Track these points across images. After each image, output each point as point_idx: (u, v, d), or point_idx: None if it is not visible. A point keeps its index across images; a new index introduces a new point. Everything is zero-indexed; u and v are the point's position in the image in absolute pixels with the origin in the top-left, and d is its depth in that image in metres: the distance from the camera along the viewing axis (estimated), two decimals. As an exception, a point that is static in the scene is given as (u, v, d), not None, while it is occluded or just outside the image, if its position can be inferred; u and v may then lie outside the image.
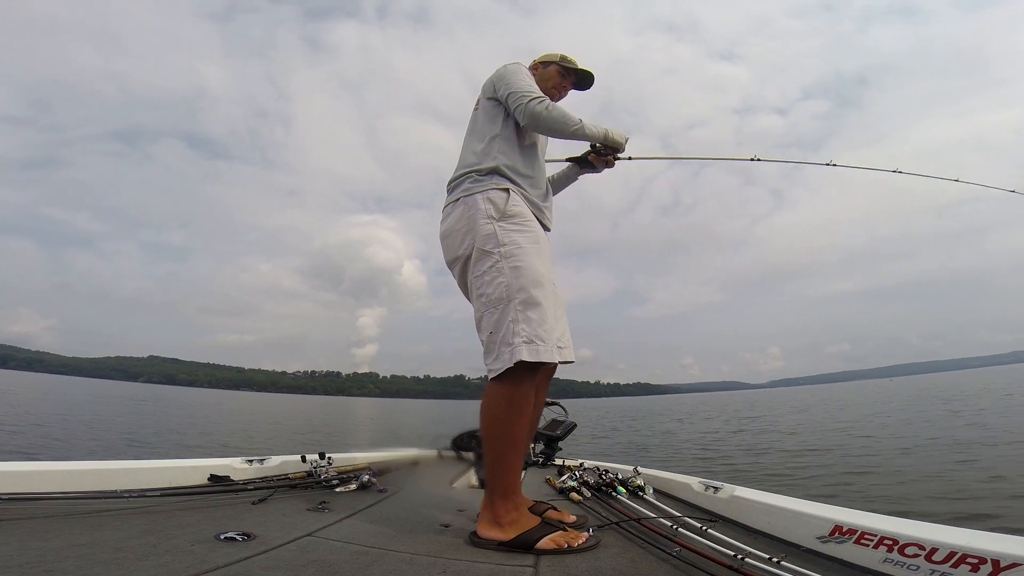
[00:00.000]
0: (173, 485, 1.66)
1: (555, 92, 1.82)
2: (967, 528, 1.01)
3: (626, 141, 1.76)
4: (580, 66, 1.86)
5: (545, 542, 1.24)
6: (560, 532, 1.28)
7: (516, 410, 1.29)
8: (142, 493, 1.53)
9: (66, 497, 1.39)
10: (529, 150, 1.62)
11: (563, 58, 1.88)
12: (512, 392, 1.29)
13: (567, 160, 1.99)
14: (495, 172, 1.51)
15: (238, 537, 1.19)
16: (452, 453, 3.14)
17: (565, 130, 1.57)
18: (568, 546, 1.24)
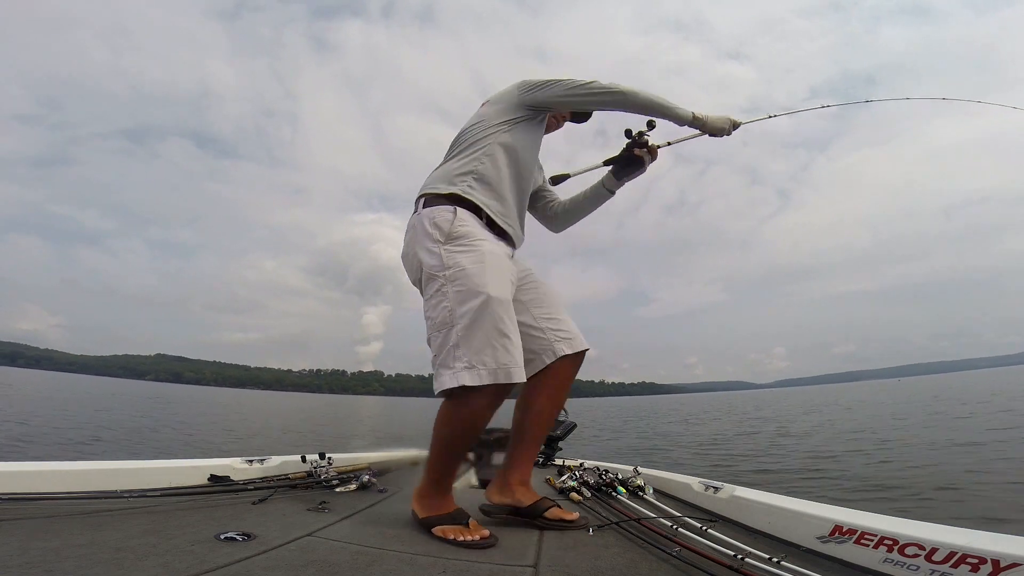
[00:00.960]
0: (173, 485, 1.66)
1: (552, 122, 1.68)
2: (967, 528, 1.01)
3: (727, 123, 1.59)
4: None
5: (437, 530, 1.32)
6: (459, 527, 1.32)
7: (458, 428, 1.35)
8: (142, 493, 1.53)
9: (66, 497, 1.39)
10: (504, 169, 1.50)
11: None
12: (454, 412, 1.33)
13: (605, 163, 1.75)
14: (452, 198, 1.43)
15: (238, 537, 1.19)
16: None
17: (657, 104, 1.46)
18: (455, 539, 1.28)
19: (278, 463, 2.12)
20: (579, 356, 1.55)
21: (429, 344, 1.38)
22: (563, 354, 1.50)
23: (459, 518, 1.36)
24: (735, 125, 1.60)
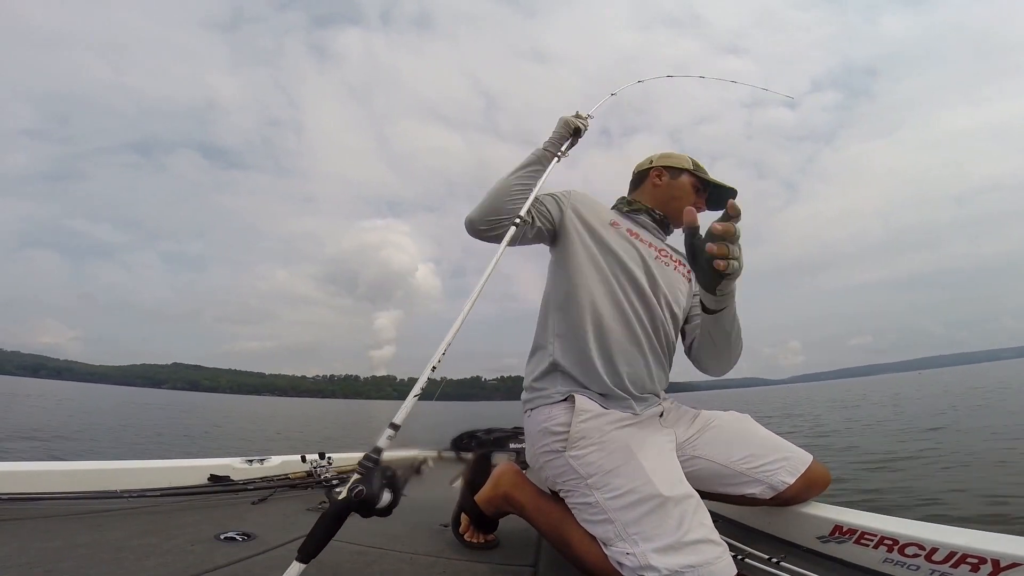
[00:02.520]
0: (173, 485, 1.66)
1: (680, 214, 1.15)
2: (967, 528, 1.01)
3: (577, 119, 1.30)
4: (716, 179, 1.34)
5: (464, 520, 1.34)
6: (478, 532, 1.33)
7: (580, 565, 1.06)
8: (142, 493, 1.53)
9: (66, 497, 1.39)
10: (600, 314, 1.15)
11: (696, 165, 1.36)
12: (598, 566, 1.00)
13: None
14: (553, 371, 1.16)
15: (238, 537, 1.19)
16: (452, 453, 3.14)
17: (496, 195, 1.15)
18: (465, 536, 1.31)
19: (278, 463, 2.12)
20: (808, 477, 1.17)
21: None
22: (785, 485, 1.16)
23: (489, 527, 1.35)
24: (576, 117, 1.32)
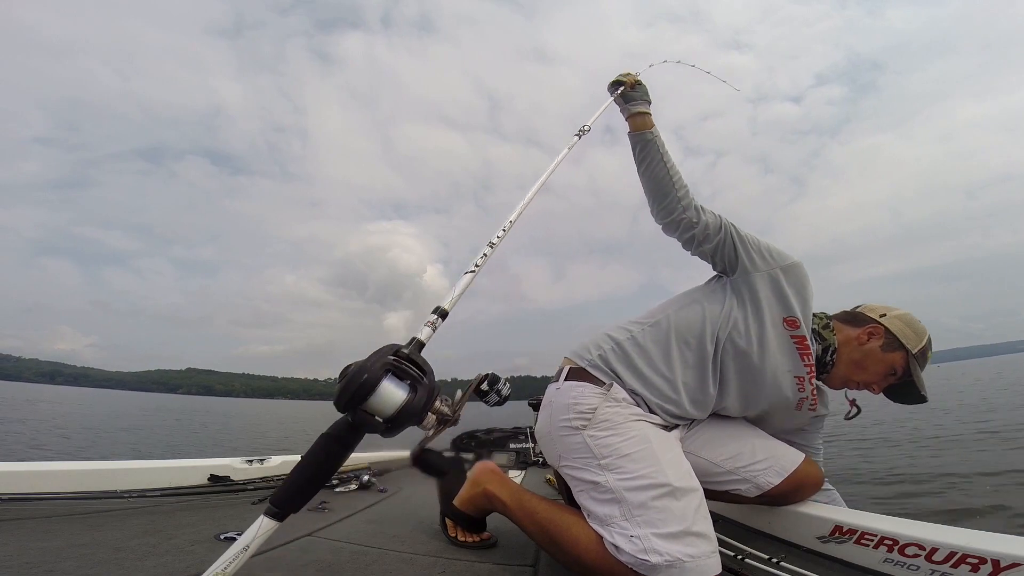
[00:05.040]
0: (173, 485, 1.66)
1: (862, 380, 1.22)
2: (967, 528, 1.01)
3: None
4: (920, 379, 1.20)
5: (450, 523, 1.34)
6: (468, 532, 1.33)
7: (574, 564, 1.05)
8: (142, 493, 1.53)
9: (66, 497, 1.40)
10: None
11: (924, 351, 1.19)
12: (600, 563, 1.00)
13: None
14: (605, 358, 1.18)
15: (238, 537, 1.19)
16: (452, 453, 3.14)
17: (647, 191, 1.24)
18: (457, 537, 1.30)
19: (278, 463, 2.12)
20: (797, 479, 1.18)
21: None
22: (771, 486, 1.18)
23: (478, 527, 1.34)
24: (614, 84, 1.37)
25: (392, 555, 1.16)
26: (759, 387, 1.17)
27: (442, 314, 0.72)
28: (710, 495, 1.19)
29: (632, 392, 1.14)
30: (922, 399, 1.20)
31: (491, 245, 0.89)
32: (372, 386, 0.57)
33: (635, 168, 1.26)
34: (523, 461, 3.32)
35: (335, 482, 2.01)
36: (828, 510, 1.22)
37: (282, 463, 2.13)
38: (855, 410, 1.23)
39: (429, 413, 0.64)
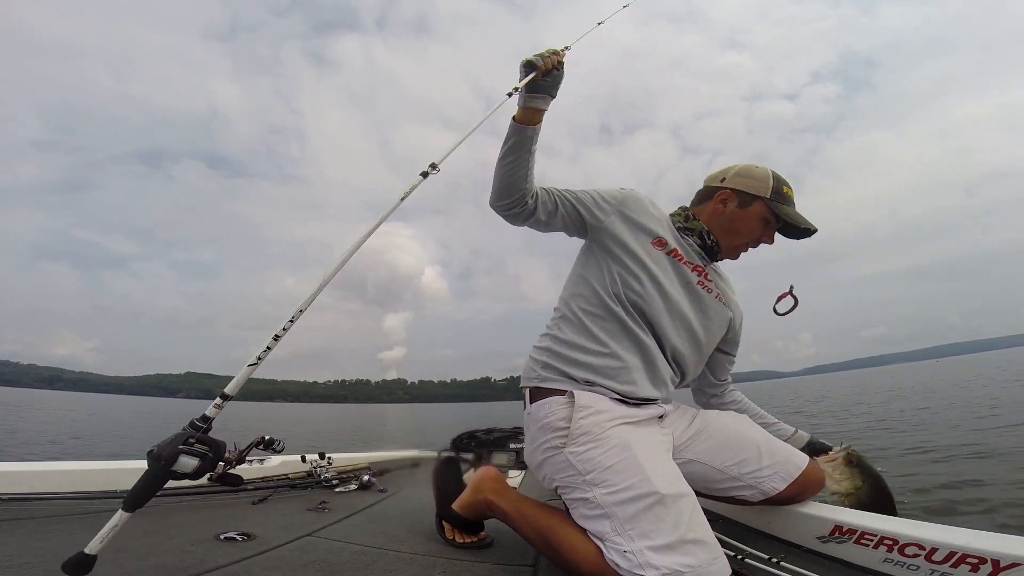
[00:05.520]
0: (173, 485, 1.66)
1: (744, 246, 1.26)
2: (967, 528, 1.01)
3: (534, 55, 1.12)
4: (797, 214, 1.21)
5: (447, 525, 1.31)
6: (463, 533, 1.31)
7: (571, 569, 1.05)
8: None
9: (66, 497, 1.40)
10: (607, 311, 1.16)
11: (777, 190, 1.21)
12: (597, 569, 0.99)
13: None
14: (557, 364, 1.15)
15: (238, 537, 1.19)
16: (452, 453, 3.14)
17: (495, 187, 1.15)
18: (452, 538, 1.29)
19: (278, 463, 2.12)
20: (802, 482, 1.17)
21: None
22: (776, 491, 1.16)
23: (475, 529, 1.32)
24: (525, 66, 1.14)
25: (392, 555, 1.16)
26: (681, 315, 1.18)
27: (224, 397, 0.87)
28: (714, 499, 1.21)
29: (589, 384, 1.12)
30: (808, 232, 1.21)
31: (276, 338, 0.93)
32: (171, 462, 0.84)
33: (500, 156, 1.14)
34: (523, 461, 3.32)
35: (335, 482, 2.01)
36: (828, 510, 1.22)
37: (282, 463, 2.13)
38: (792, 300, 1.29)
39: (220, 463, 0.89)
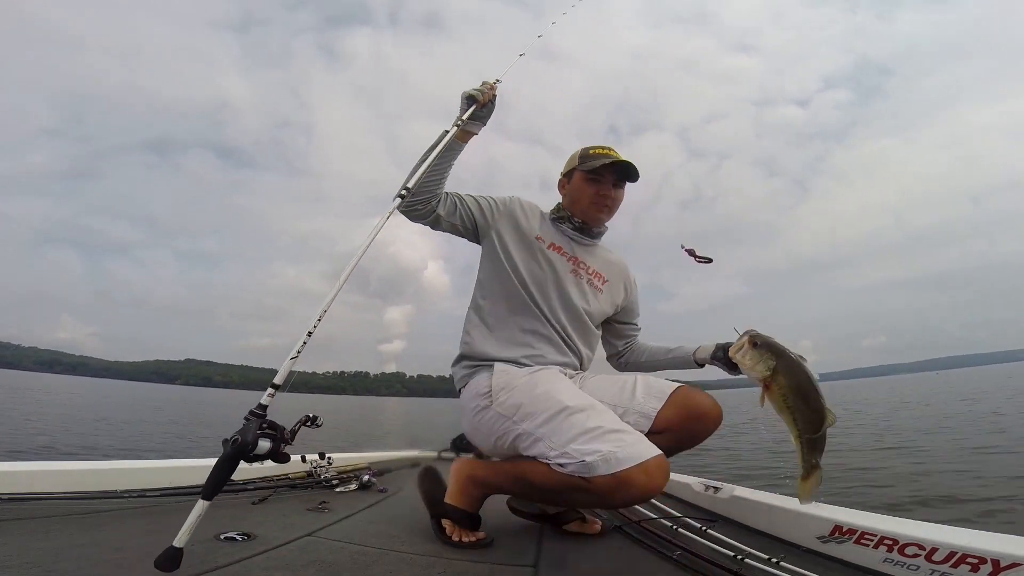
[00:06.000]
0: (173, 485, 1.66)
1: (593, 209, 1.43)
2: (967, 528, 1.01)
3: (474, 89, 1.33)
4: (608, 154, 1.38)
5: (445, 521, 1.30)
6: (462, 530, 1.29)
7: (546, 489, 1.23)
8: (142, 493, 1.53)
9: (66, 497, 1.40)
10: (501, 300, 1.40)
11: (584, 154, 1.42)
12: (558, 479, 1.19)
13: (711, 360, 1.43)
14: (471, 353, 1.38)
15: (238, 537, 1.19)
16: (452, 453, 3.14)
17: (430, 158, 1.25)
18: (451, 536, 1.26)
19: None
20: (682, 405, 1.29)
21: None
22: (655, 411, 1.30)
23: (473, 522, 1.32)
24: (480, 87, 1.36)
25: (392, 555, 1.16)
26: (564, 300, 1.41)
27: (275, 387, 1.00)
28: None
29: (512, 362, 1.34)
30: (618, 164, 1.38)
31: (309, 334, 1.05)
32: (254, 445, 0.96)
33: (424, 161, 1.26)
34: None
35: (335, 482, 2.01)
36: (828, 510, 1.22)
37: (282, 463, 2.13)
38: (697, 258, 1.49)
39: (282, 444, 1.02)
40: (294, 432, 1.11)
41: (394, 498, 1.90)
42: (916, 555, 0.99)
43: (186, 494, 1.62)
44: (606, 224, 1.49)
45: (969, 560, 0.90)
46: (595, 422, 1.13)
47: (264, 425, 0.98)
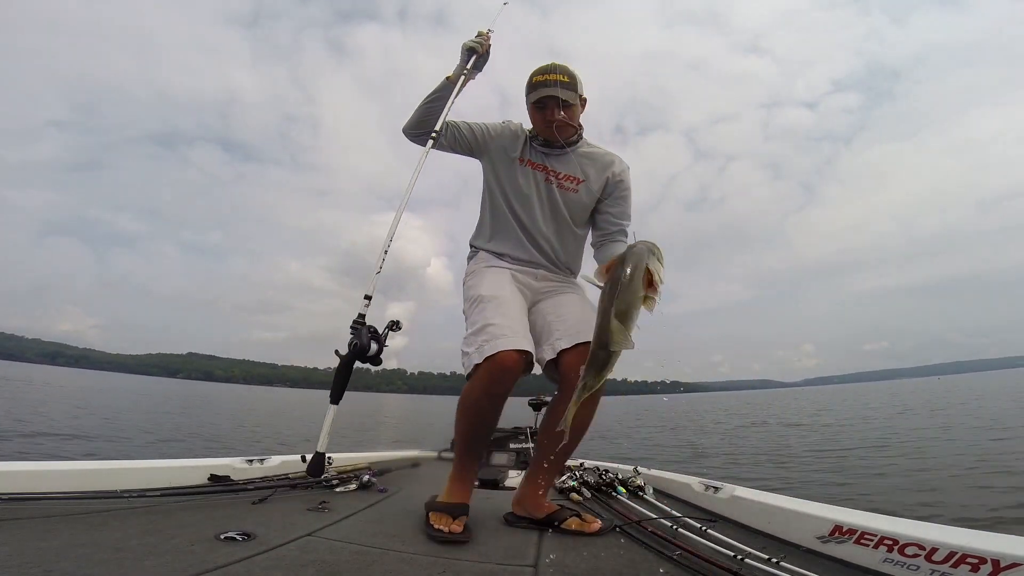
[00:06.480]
0: (173, 485, 1.66)
1: (547, 132, 1.60)
2: (967, 528, 1.01)
3: (472, 40, 1.75)
4: (546, 81, 1.56)
5: (432, 515, 1.38)
6: (445, 516, 1.36)
7: (459, 412, 1.47)
8: (142, 493, 1.53)
9: (66, 497, 1.39)
10: (493, 217, 1.73)
11: (529, 84, 1.60)
12: (461, 397, 1.48)
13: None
14: (475, 246, 1.77)
15: (238, 537, 1.19)
16: (452, 453, 3.14)
17: (415, 116, 1.69)
18: (434, 526, 1.32)
19: (278, 463, 2.12)
20: (582, 349, 1.40)
21: None
22: (561, 348, 1.45)
23: (455, 511, 1.37)
24: (476, 38, 1.76)
25: (392, 555, 1.16)
26: (541, 204, 1.66)
27: (368, 297, 1.35)
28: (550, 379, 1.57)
29: (492, 253, 1.68)
30: (543, 85, 1.56)
31: (385, 252, 1.57)
32: (367, 348, 1.28)
33: (425, 100, 1.69)
34: (523, 461, 3.32)
35: (335, 482, 2.01)
36: (828, 510, 1.22)
37: (282, 463, 2.13)
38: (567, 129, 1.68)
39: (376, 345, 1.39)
40: (383, 336, 1.40)
41: (394, 498, 1.90)
42: (916, 555, 0.99)
43: (187, 494, 1.62)
44: (579, 132, 1.65)
45: (969, 560, 0.90)
46: (487, 314, 1.42)
47: (370, 330, 1.28)
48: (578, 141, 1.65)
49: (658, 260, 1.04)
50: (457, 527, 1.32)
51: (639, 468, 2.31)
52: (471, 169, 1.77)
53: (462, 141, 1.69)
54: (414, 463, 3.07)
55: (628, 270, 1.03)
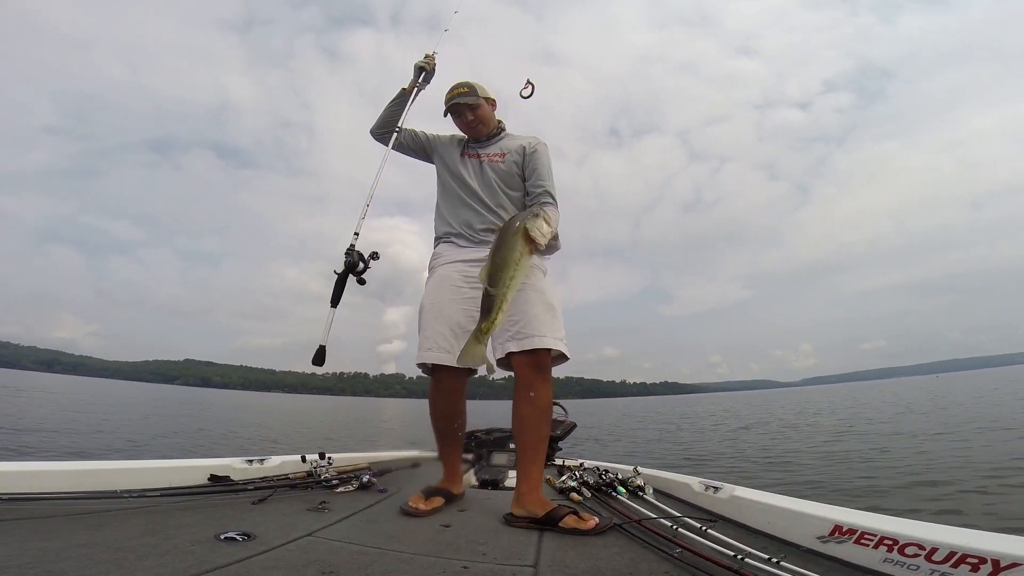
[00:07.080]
0: (173, 485, 1.66)
1: (468, 133, 1.99)
2: (967, 528, 1.01)
3: (421, 60, 2.12)
4: (451, 97, 1.93)
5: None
6: (419, 496, 1.67)
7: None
8: (142, 493, 1.53)
9: (66, 497, 1.39)
10: (446, 198, 2.00)
11: (445, 100, 1.96)
12: None
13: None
14: (437, 237, 2.00)
15: (238, 537, 1.19)
16: None
17: (379, 120, 2.09)
18: (408, 503, 1.63)
19: (278, 463, 2.12)
20: (533, 355, 1.64)
21: None
22: (509, 351, 1.66)
23: (430, 493, 1.71)
24: (424, 59, 2.12)
25: (392, 555, 1.16)
26: (478, 176, 1.93)
27: (356, 234, 1.76)
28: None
29: (441, 237, 1.95)
30: (454, 104, 1.91)
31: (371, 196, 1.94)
32: (355, 266, 1.70)
33: (387, 107, 2.09)
34: None
35: (335, 482, 2.01)
36: (828, 510, 1.22)
37: (282, 463, 2.13)
38: (531, 87, 2.02)
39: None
40: (370, 260, 1.73)
41: (394, 498, 1.90)
42: (916, 555, 0.99)
43: (187, 494, 1.62)
44: (499, 126, 2.00)
45: (969, 560, 0.90)
46: (425, 330, 1.76)
47: (359, 254, 1.65)
48: (499, 133, 2.00)
49: (543, 220, 1.44)
50: (424, 506, 1.61)
51: (639, 468, 2.31)
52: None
53: (417, 141, 2.06)
54: (414, 463, 3.07)
55: (509, 227, 1.46)
